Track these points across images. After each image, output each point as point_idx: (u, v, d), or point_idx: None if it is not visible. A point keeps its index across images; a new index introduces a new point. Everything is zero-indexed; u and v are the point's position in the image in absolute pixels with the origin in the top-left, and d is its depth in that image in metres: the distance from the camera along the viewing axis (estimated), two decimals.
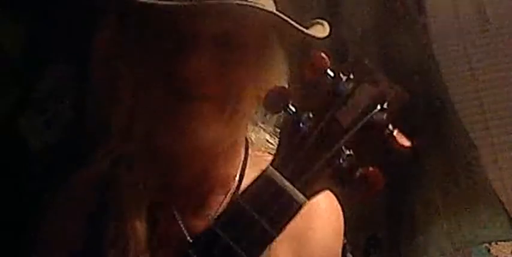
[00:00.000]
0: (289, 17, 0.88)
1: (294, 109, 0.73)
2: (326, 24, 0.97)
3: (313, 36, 0.91)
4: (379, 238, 1.88)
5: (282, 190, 0.71)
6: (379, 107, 0.70)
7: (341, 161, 0.71)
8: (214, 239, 0.71)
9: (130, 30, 0.91)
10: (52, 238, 0.97)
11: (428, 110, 1.97)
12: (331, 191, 0.93)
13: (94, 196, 0.96)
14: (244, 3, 0.84)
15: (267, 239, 0.71)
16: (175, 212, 0.93)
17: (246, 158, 0.98)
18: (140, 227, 0.90)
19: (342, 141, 0.71)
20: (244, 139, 0.99)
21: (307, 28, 0.92)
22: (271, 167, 0.72)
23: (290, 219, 0.72)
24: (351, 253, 1.04)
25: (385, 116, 0.70)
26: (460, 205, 1.92)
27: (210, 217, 0.92)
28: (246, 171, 0.97)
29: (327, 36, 0.94)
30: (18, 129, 1.50)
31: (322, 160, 0.71)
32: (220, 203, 0.95)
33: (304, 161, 0.72)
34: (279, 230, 0.72)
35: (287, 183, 0.71)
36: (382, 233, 1.89)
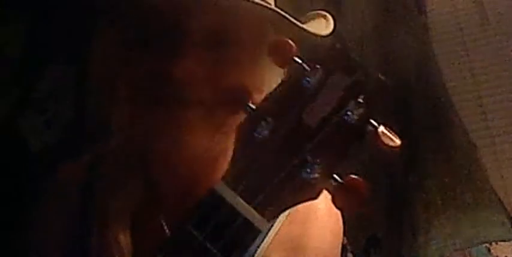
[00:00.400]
0: (288, 14, 0.82)
1: (252, 109, 0.60)
2: (330, 18, 0.89)
3: (315, 34, 0.83)
4: (379, 238, 1.88)
5: (235, 212, 0.59)
6: (353, 101, 0.57)
7: (308, 171, 0.58)
8: None
9: (130, 29, 0.90)
10: (46, 237, 0.96)
11: (428, 110, 1.97)
12: None
13: (77, 195, 0.93)
14: None
15: None
16: (163, 222, 0.89)
17: None
18: (124, 238, 0.86)
19: (309, 147, 0.57)
20: None
21: (307, 21, 0.86)
22: (222, 184, 0.60)
23: (247, 246, 0.60)
24: (351, 253, 1.03)
25: (362, 111, 0.56)
26: (460, 205, 1.92)
27: None
28: None
29: (331, 33, 0.85)
30: (18, 129, 1.49)
31: (284, 172, 0.58)
32: None
33: (262, 174, 0.58)
34: None
35: (242, 202, 0.59)
36: (382, 233, 1.89)
